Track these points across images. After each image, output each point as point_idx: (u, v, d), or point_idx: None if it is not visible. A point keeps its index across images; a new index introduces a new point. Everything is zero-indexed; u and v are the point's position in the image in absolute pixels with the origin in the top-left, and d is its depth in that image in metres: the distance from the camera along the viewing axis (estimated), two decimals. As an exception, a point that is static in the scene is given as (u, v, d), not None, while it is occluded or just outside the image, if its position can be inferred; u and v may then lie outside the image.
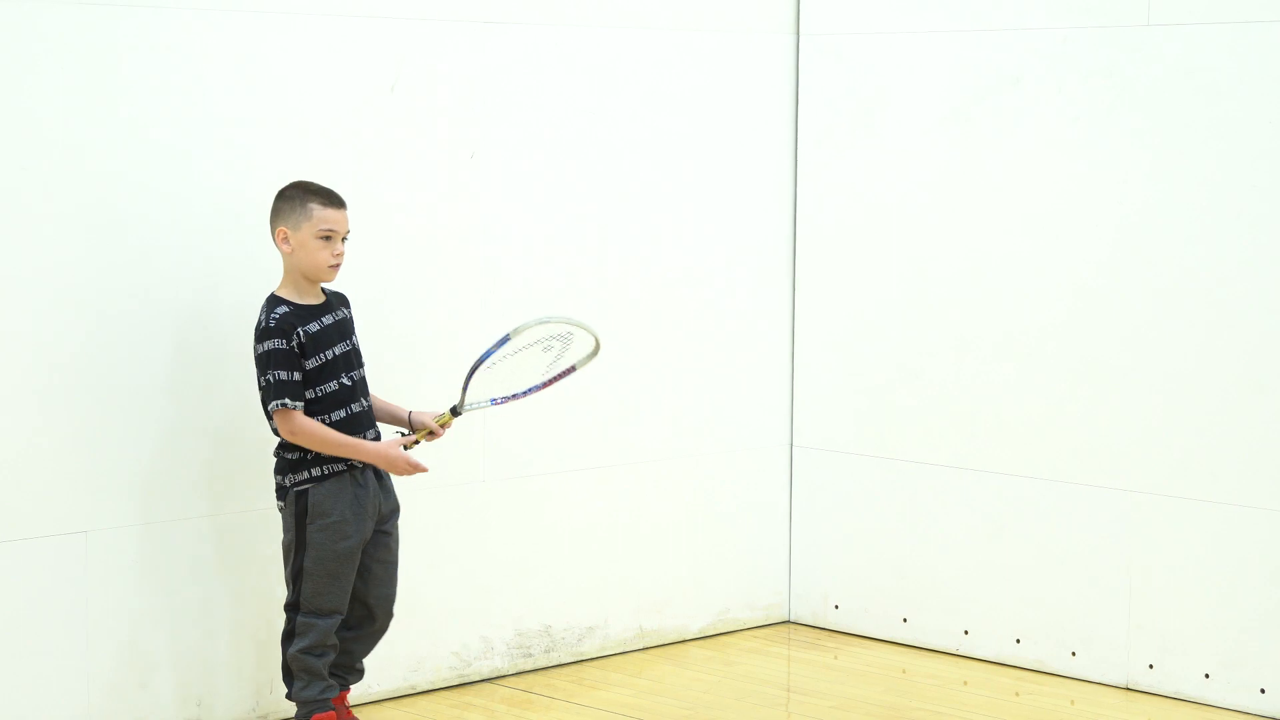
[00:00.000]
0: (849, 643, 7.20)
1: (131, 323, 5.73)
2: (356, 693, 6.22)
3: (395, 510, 5.82)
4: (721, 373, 7.25)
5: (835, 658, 7.03)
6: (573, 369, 5.83)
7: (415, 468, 5.68)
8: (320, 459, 5.61)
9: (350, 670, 5.86)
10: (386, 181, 6.29)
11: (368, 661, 6.22)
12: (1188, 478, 6.42)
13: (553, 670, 6.76)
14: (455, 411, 5.73)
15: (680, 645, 7.13)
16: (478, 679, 6.61)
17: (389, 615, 5.85)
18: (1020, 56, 6.73)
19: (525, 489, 6.71)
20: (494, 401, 5.76)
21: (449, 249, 6.47)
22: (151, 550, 5.81)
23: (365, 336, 5.93)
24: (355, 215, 5.88)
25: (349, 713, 5.87)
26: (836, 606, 7.35)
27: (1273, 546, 6.25)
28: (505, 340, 5.72)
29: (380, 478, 5.77)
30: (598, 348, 5.81)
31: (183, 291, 5.82)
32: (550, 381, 5.83)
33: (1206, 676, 6.41)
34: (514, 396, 5.78)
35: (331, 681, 5.73)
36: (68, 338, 5.63)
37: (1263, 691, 6.29)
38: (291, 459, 5.63)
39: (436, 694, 6.46)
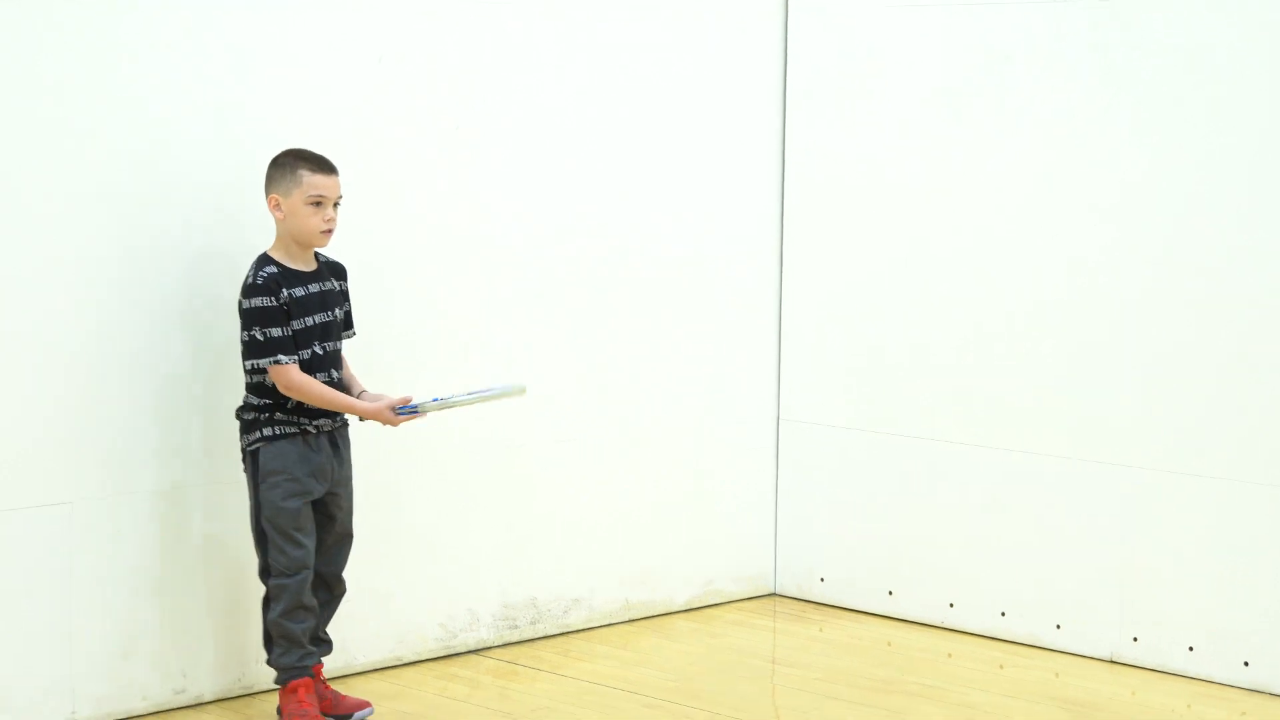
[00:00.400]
0: (834, 615, 7.21)
1: (118, 294, 5.72)
2: (341, 663, 6.23)
3: (349, 478, 5.83)
4: (709, 346, 7.25)
5: (821, 630, 7.04)
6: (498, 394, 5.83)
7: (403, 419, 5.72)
8: (274, 420, 5.64)
9: (317, 642, 5.86)
10: (375, 158, 6.28)
11: (353, 632, 6.23)
12: (1174, 453, 6.43)
13: (539, 642, 6.77)
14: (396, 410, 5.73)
15: (666, 618, 7.14)
16: (464, 650, 6.61)
17: (341, 583, 5.87)
18: (1012, 27, 6.72)
19: (512, 462, 6.71)
20: (435, 400, 5.75)
21: (438, 212, 6.46)
22: (135, 521, 5.81)
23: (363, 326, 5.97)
24: (355, 201, 5.88)
25: (326, 686, 5.88)
26: (822, 579, 7.35)
27: (1259, 521, 6.26)
28: (506, 390, 5.78)
29: (336, 446, 5.79)
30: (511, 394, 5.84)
31: (170, 263, 5.80)
32: (477, 394, 5.81)
33: (1191, 650, 6.42)
34: (454, 396, 5.76)
35: (311, 649, 5.75)
36: (55, 310, 5.61)
37: (1246, 665, 6.30)
38: (248, 419, 5.68)
39: (422, 665, 6.46)
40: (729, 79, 7.23)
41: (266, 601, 5.73)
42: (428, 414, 5.71)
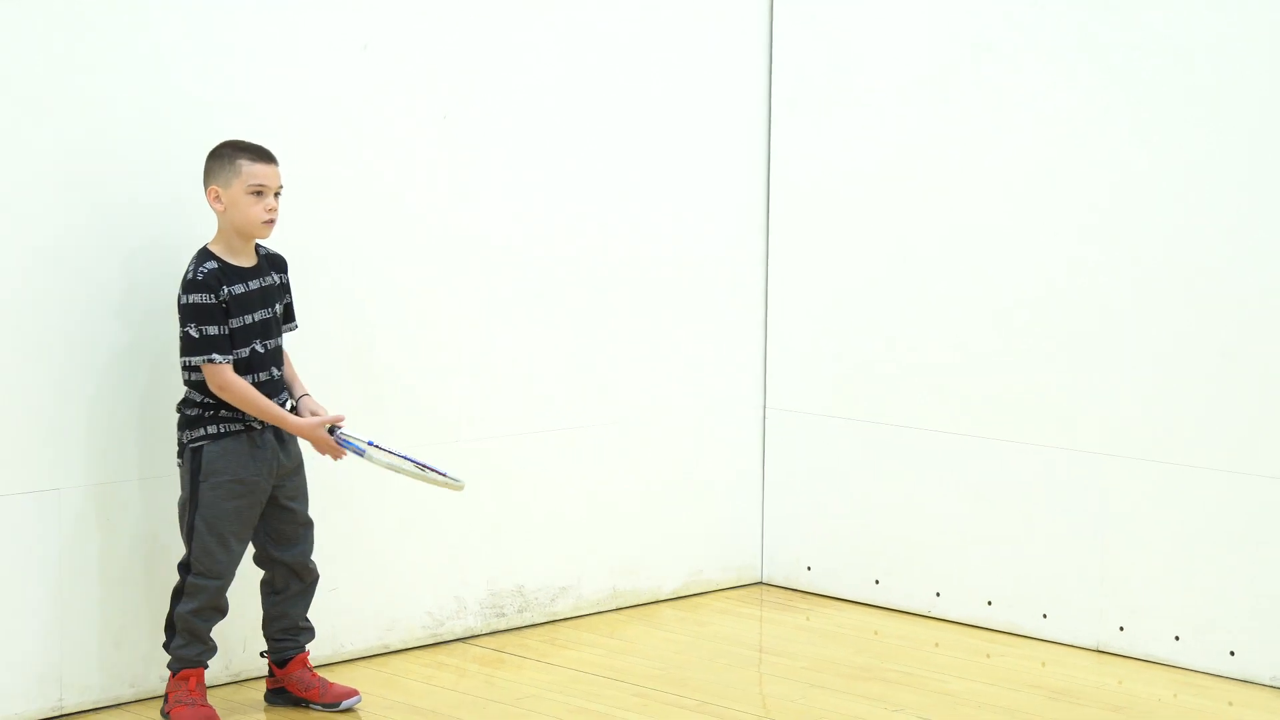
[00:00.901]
0: (821, 604, 7.22)
1: (105, 283, 5.71)
2: (329, 651, 6.23)
3: (298, 467, 5.76)
4: (696, 335, 7.26)
5: (807, 619, 7.05)
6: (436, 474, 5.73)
7: (339, 452, 5.65)
8: (218, 417, 5.57)
9: (299, 631, 5.85)
10: (371, 158, 6.28)
11: (341, 619, 6.24)
12: (1159, 442, 6.44)
13: (526, 630, 6.77)
14: (331, 430, 5.65)
15: (653, 606, 7.15)
16: (451, 639, 6.61)
17: (311, 570, 5.82)
18: (997, 20, 6.73)
19: (500, 449, 6.71)
20: (370, 443, 5.68)
21: (420, 213, 6.46)
22: (124, 508, 5.80)
23: (342, 324, 5.97)
24: (350, 200, 5.87)
25: (313, 674, 5.87)
26: (809, 568, 7.36)
27: (1243, 510, 6.27)
28: (445, 477, 5.67)
29: (280, 437, 5.71)
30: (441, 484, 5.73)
31: (155, 252, 5.78)
32: (419, 464, 5.72)
33: (1177, 639, 6.44)
34: (392, 452, 5.70)
35: (212, 643, 5.67)
36: (41, 298, 5.61)
37: (1232, 654, 6.32)
38: (190, 415, 5.60)
39: (410, 653, 6.47)
40: (716, 80, 7.22)
41: (178, 593, 5.64)
42: (373, 461, 5.60)
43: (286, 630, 5.85)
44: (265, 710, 5.86)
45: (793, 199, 7.35)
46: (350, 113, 6.24)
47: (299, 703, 5.86)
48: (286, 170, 5.70)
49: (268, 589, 5.83)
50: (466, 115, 6.52)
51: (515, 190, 6.69)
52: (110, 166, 5.72)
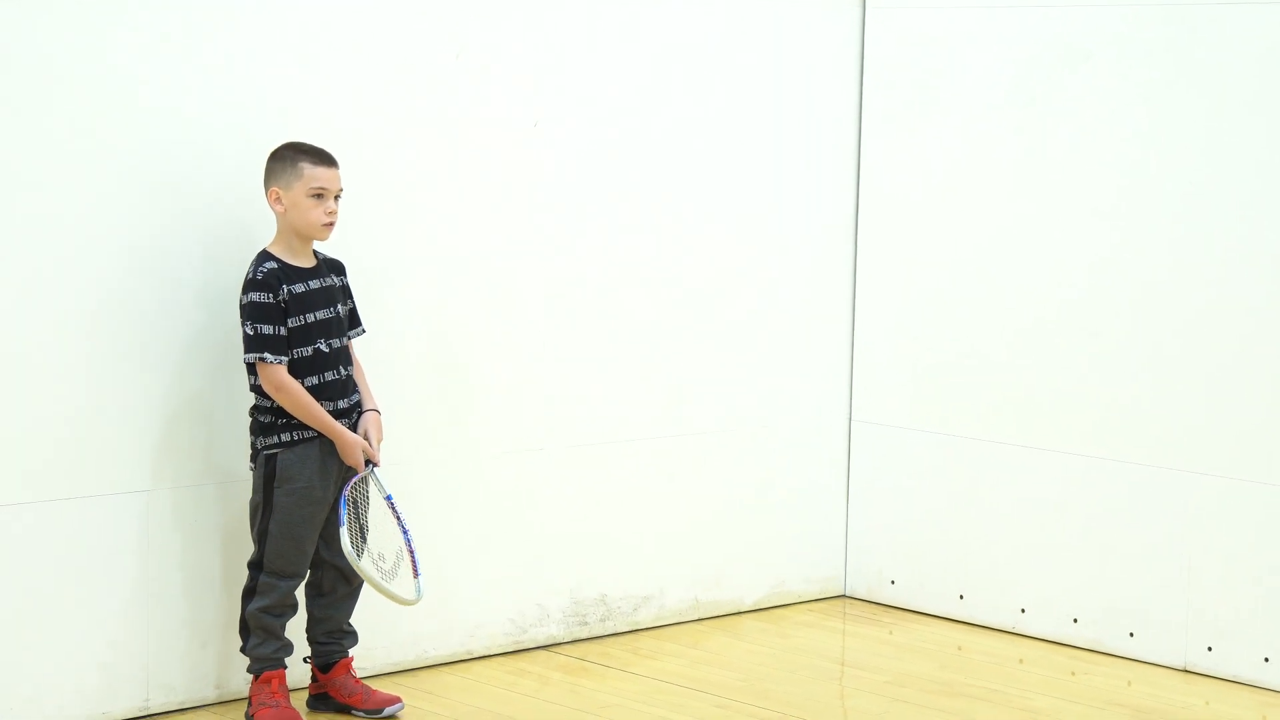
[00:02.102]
0: (904, 618, 7.19)
1: (196, 284, 5.76)
2: (413, 655, 6.26)
3: (355, 471, 5.73)
4: (782, 346, 7.24)
5: (890, 633, 7.02)
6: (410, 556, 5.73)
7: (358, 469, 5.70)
8: (291, 425, 5.59)
9: (343, 635, 5.85)
10: (439, 154, 6.31)
11: (425, 625, 6.26)
12: (1247, 459, 6.38)
13: (608, 639, 6.77)
14: (368, 464, 5.70)
15: (735, 617, 7.13)
16: (533, 646, 6.62)
17: (358, 575, 5.79)
18: (1088, 32, 6.68)
19: (585, 458, 6.71)
20: (389, 498, 5.71)
21: (504, 223, 6.47)
22: (210, 510, 5.84)
23: (416, 322, 6.04)
24: (402, 187, 5.89)
25: (356, 680, 5.86)
26: (892, 582, 7.33)
27: (1335, 531, 6.22)
28: (418, 586, 5.67)
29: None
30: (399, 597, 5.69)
31: (247, 254, 5.81)
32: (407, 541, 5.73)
33: (1266, 660, 6.37)
34: (398, 518, 5.71)
35: (287, 640, 5.71)
36: (134, 301, 5.65)
37: (1322, 676, 6.27)
38: (264, 422, 5.62)
39: (492, 660, 6.48)
40: (808, 92, 7.19)
41: (250, 592, 5.68)
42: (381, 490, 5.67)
43: (330, 634, 5.84)
44: (308, 716, 5.84)
45: (882, 211, 7.32)
46: (445, 120, 6.26)
47: (342, 709, 5.84)
48: (384, 173, 5.72)
49: (314, 591, 5.83)
50: (551, 124, 6.52)
51: (601, 199, 6.69)
52: (198, 168, 5.75)
